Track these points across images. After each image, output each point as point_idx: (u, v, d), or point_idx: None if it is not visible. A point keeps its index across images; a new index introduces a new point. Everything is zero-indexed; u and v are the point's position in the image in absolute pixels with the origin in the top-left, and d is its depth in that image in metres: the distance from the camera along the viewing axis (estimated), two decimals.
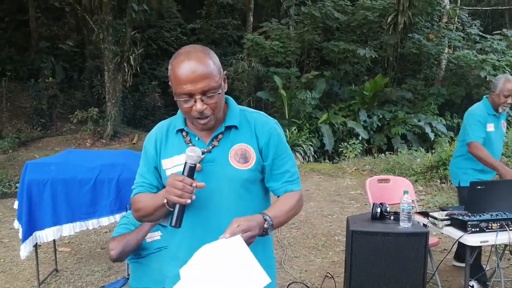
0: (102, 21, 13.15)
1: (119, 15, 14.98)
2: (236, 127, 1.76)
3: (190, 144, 1.75)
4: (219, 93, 1.67)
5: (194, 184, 1.58)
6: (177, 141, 1.79)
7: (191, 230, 1.73)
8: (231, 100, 1.84)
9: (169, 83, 1.70)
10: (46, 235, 3.98)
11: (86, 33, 16.57)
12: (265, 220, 1.63)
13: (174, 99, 1.67)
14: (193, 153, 1.62)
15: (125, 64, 13.57)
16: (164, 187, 1.76)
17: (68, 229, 4.03)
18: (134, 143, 13.05)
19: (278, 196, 1.84)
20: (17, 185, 4.25)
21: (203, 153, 1.71)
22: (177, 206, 1.60)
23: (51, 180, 3.96)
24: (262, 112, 1.87)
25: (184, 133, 1.78)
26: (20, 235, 3.95)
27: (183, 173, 1.60)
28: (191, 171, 1.61)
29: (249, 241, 1.53)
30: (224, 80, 1.72)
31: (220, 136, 1.75)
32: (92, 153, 5.49)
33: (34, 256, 4.29)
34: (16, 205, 4.16)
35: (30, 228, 3.91)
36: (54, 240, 4.61)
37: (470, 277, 4.21)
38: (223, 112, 1.77)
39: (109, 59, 13.39)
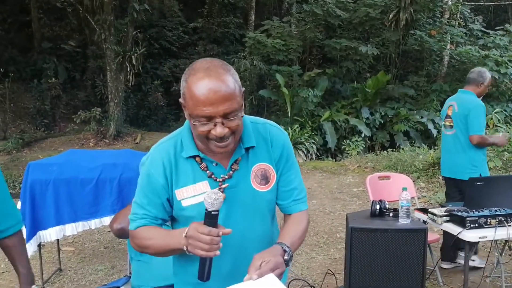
0: (103, 21, 13.19)
1: (121, 15, 15.02)
2: (253, 147, 1.63)
3: (207, 171, 1.59)
4: (242, 116, 1.51)
5: (221, 233, 1.43)
6: (189, 167, 1.60)
7: (221, 263, 1.59)
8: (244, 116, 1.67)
9: (181, 100, 1.52)
10: (50, 234, 4.02)
11: (88, 33, 16.60)
12: (285, 251, 1.53)
13: (191, 121, 1.49)
14: (214, 200, 1.44)
15: (127, 64, 13.61)
16: (173, 217, 1.67)
17: (71, 229, 4.06)
18: (137, 143, 13.10)
19: (284, 214, 1.75)
20: (21, 185, 4.28)
21: (223, 180, 1.58)
22: (206, 260, 1.48)
23: (53, 180, 3.99)
24: (273, 123, 1.73)
25: (198, 159, 1.60)
26: (24, 235, 3.99)
27: (204, 222, 1.45)
28: (215, 219, 1.45)
29: (278, 278, 1.43)
30: (243, 96, 1.54)
31: (239, 158, 1.61)
32: (94, 153, 5.52)
33: (38, 255, 4.33)
34: (19, 205, 4.19)
35: (33, 228, 3.95)
36: (57, 240, 4.65)
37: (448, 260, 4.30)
38: None
39: (111, 59, 13.43)
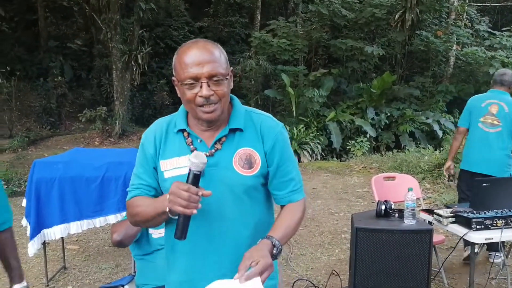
0: (110, 20, 13.20)
1: (127, 14, 15.04)
2: (241, 130, 1.67)
3: (191, 146, 1.65)
4: (227, 79, 1.60)
5: (200, 193, 1.47)
6: (177, 141, 1.68)
7: (192, 238, 1.60)
8: (236, 100, 1.74)
9: (173, 78, 1.64)
10: (54, 232, 4.03)
11: (94, 32, 16.64)
12: (274, 245, 1.56)
13: (180, 90, 1.61)
14: (197, 160, 1.51)
15: (133, 63, 13.62)
16: (161, 189, 1.70)
17: (75, 227, 4.07)
18: None
19: (281, 205, 1.76)
20: (27, 183, 4.29)
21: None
22: (182, 217, 1.51)
23: (58, 178, 4.01)
24: (269, 115, 1.77)
25: (185, 134, 1.68)
26: (28, 233, 4.01)
27: (187, 181, 1.50)
28: (196, 179, 1.51)
29: (264, 280, 1.47)
30: (231, 76, 1.64)
31: (223, 139, 1.65)
32: (99, 152, 5.55)
33: (43, 253, 4.35)
34: (24, 203, 4.21)
35: (38, 226, 3.96)
36: (62, 238, 4.66)
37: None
38: (228, 112, 1.68)
39: (117, 58, 13.44)
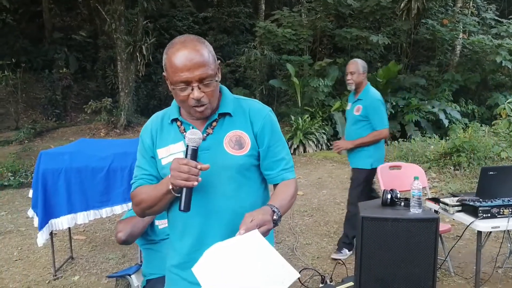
0: (114, 11, 13.19)
1: (131, 4, 14.99)
2: (230, 115, 1.76)
3: (184, 133, 1.73)
4: (216, 80, 1.68)
5: (199, 166, 1.56)
6: (172, 130, 1.78)
7: (191, 219, 1.71)
8: (225, 88, 1.84)
9: (164, 73, 1.70)
10: (62, 223, 4.05)
11: (98, 24, 16.63)
12: (274, 211, 1.63)
13: (172, 90, 1.67)
14: (194, 136, 1.61)
15: (137, 54, 13.63)
16: (161, 177, 1.76)
17: (82, 217, 4.10)
18: None
19: (274, 184, 1.84)
20: (33, 174, 4.31)
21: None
22: (184, 190, 1.59)
23: (65, 169, 4.02)
24: (257, 100, 1.88)
25: (178, 123, 1.78)
26: (35, 223, 4.03)
27: (186, 157, 1.60)
28: (194, 154, 1.61)
29: (264, 235, 1.53)
30: (219, 69, 1.72)
31: (214, 124, 1.75)
32: (105, 142, 5.55)
33: (50, 244, 4.38)
34: (30, 194, 4.23)
35: (46, 216, 3.99)
36: (69, 228, 4.70)
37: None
38: (217, 99, 1.77)
39: (121, 49, 13.44)
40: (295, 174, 1.88)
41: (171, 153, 1.74)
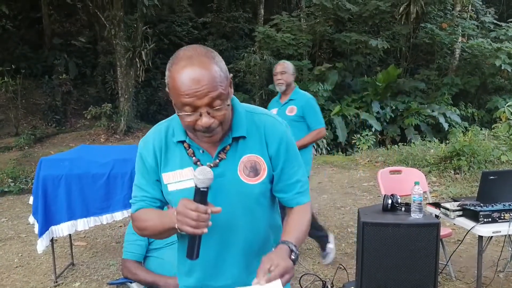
0: (113, 17, 13.21)
1: (130, 10, 15.04)
2: (244, 137, 1.56)
3: (193, 157, 1.55)
4: (228, 104, 1.45)
5: (209, 211, 1.38)
6: (178, 152, 1.57)
7: (203, 250, 1.50)
8: (236, 100, 1.60)
9: (167, 89, 1.46)
10: (62, 229, 4.05)
11: (98, 29, 16.65)
12: (292, 250, 1.48)
13: (177, 112, 1.45)
14: (203, 176, 1.39)
15: (137, 60, 13.63)
16: (167, 201, 1.64)
17: (82, 224, 4.09)
18: None
19: (287, 207, 1.69)
20: (33, 181, 4.31)
21: (209, 167, 1.50)
22: (192, 237, 1.43)
23: (65, 175, 4.02)
24: (272, 113, 1.65)
25: (185, 145, 1.57)
26: (36, 230, 4.03)
27: (194, 198, 1.40)
28: (204, 196, 1.41)
29: (284, 283, 1.38)
30: (231, 85, 1.49)
31: (227, 147, 1.55)
32: (105, 149, 5.55)
33: (51, 250, 4.37)
34: (31, 200, 4.23)
35: (46, 223, 3.98)
36: (70, 235, 4.69)
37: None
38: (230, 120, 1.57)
39: (121, 55, 13.46)
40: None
41: (179, 180, 1.56)
